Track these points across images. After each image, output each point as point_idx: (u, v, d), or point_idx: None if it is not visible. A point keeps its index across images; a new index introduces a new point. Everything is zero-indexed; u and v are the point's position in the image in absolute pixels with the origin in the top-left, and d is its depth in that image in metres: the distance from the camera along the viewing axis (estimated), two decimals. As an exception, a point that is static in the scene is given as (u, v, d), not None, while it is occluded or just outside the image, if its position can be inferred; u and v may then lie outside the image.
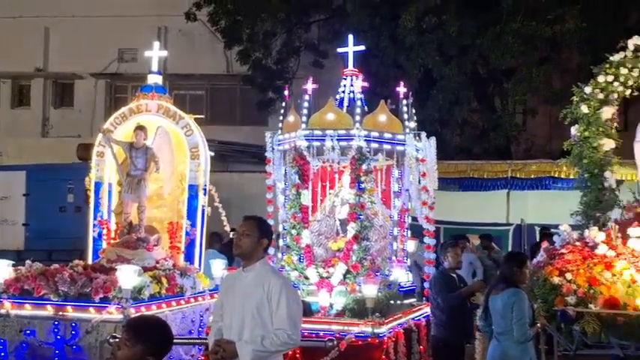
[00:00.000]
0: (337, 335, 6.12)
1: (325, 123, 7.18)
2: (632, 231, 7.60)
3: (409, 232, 7.93)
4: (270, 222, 7.24)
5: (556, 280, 7.26)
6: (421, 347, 7.23)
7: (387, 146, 7.27)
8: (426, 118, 13.38)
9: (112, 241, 8.19)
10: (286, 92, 8.29)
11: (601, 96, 8.76)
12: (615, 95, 8.76)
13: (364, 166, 7.01)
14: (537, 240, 11.86)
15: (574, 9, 15.49)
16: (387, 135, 7.23)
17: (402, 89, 7.70)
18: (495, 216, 14.12)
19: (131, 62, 21.03)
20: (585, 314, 7.07)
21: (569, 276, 7.28)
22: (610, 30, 14.66)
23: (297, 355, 6.06)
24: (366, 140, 7.04)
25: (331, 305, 6.58)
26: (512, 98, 16.84)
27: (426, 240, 7.46)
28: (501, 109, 17.48)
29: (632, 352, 8.16)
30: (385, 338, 6.25)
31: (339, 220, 7.37)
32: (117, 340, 4.23)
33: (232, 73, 20.90)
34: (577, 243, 7.83)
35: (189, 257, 8.49)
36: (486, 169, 14.35)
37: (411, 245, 7.96)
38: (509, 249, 12.97)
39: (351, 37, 8.10)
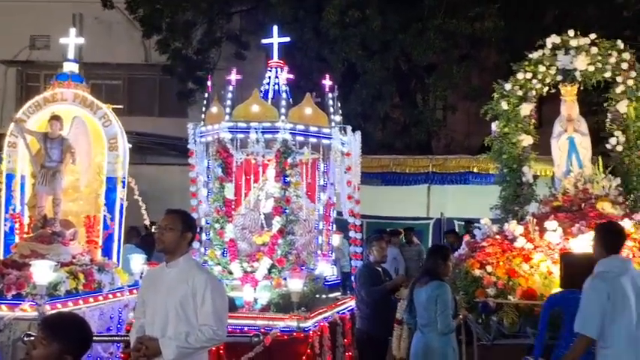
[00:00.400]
0: (262, 330, 6.06)
1: (250, 115, 7.04)
2: (548, 224, 7.82)
3: (334, 226, 7.91)
4: (194, 216, 7.17)
5: (477, 272, 7.41)
6: (346, 340, 7.24)
7: (312, 139, 7.18)
8: (349, 113, 13.41)
9: (26, 236, 7.83)
10: (209, 83, 8.09)
11: (520, 93, 9.00)
12: (533, 92, 9.01)
13: (289, 160, 6.92)
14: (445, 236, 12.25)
15: (493, 8, 15.87)
16: (313, 128, 7.14)
17: (327, 82, 7.65)
18: (416, 210, 14.35)
19: (44, 50, 20.21)
20: (504, 305, 7.24)
21: (489, 268, 7.45)
22: (527, 29, 15.12)
23: (222, 351, 5.98)
24: (291, 133, 6.94)
25: (256, 300, 6.49)
26: (433, 94, 17.12)
27: (352, 234, 7.47)
28: (422, 105, 17.76)
29: (547, 341, 8.45)
30: (310, 332, 6.21)
31: (264, 214, 7.27)
32: (32, 338, 4.01)
33: (151, 63, 20.41)
34: (497, 236, 8.01)
35: (106, 252, 8.26)
36: (408, 164, 14.55)
37: (336, 239, 7.94)
38: (430, 243, 13.20)
39: (275, 27, 7.98)
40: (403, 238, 12.56)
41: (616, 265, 4.87)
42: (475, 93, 15.69)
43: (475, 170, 13.95)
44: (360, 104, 15.76)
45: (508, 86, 9.00)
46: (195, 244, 7.16)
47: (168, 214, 4.55)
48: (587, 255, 7.32)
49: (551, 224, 7.81)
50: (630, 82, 8.76)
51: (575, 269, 7.23)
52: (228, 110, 7.05)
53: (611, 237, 5.04)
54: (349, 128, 7.55)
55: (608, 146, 8.95)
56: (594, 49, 8.82)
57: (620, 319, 4.66)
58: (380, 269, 7.36)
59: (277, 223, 6.83)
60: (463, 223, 8.67)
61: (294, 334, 6.10)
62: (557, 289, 7.29)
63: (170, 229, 4.45)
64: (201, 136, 7.44)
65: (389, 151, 15.77)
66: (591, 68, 8.82)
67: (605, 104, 9.08)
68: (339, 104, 7.75)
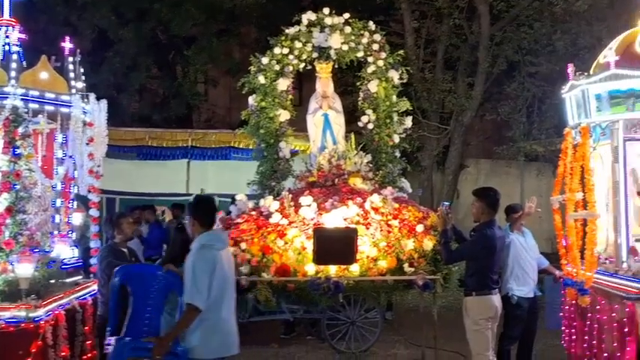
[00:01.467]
0: (-17, 322, 5.37)
1: (-28, 78, 6.15)
2: (303, 199, 7.83)
3: (75, 203, 7.21)
4: None
5: (231, 250, 7.17)
6: (86, 328, 6.65)
7: (49, 107, 6.56)
8: (100, 82, 12.55)
9: None
10: None
11: (277, 67, 8.92)
12: (290, 68, 8.97)
13: (21, 129, 6.18)
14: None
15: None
16: (50, 95, 6.52)
17: (67, 45, 6.93)
18: (175, 186, 13.91)
19: None
20: (258, 283, 7.13)
21: (243, 245, 7.31)
22: (286, 7, 15.24)
23: None
24: (23, 99, 6.24)
25: (-24, 289, 5.69)
26: (193, 67, 16.71)
27: (92, 212, 6.84)
28: (182, 78, 17.28)
29: (301, 315, 8.55)
30: (42, 322, 5.67)
31: (-11, 190, 6.39)
32: None
33: None
34: (252, 212, 7.86)
35: None
36: (166, 138, 14.04)
37: (78, 218, 7.24)
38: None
39: (7, -19, 7.03)
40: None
41: (219, 239, 5.10)
42: (236, 68, 15.59)
43: (236, 145, 13.88)
44: (112, 74, 14.89)
45: (265, 60, 8.88)
46: None
47: None
48: (340, 229, 7.50)
49: (305, 199, 7.83)
50: (380, 63, 9.05)
51: (327, 243, 7.38)
52: (-56, 72, 6.09)
53: (208, 213, 5.18)
54: (92, 96, 6.92)
55: (360, 124, 9.21)
56: (348, 29, 8.99)
57: (223, 289, 4.90)
58: (125, 250, 6.81)
59: (5, 200, 6.07)
60: (230, 199, 8.48)
61: (22, 325, 5.53)
62: (310, 264, 7.34)
63: None
64: None
65: (145, 124, 15.09)
66: (345, 47, 8.99)
67: (358, 84, 9.31)
68: (83, 70, 7.08)
